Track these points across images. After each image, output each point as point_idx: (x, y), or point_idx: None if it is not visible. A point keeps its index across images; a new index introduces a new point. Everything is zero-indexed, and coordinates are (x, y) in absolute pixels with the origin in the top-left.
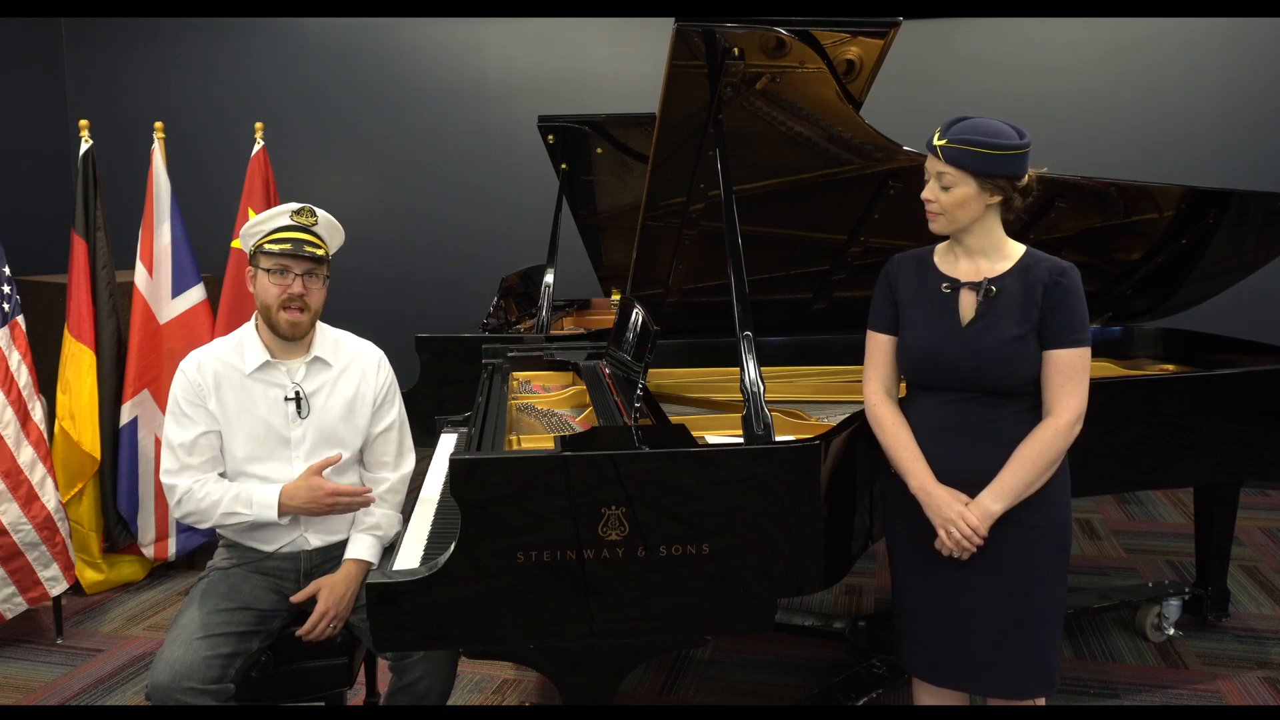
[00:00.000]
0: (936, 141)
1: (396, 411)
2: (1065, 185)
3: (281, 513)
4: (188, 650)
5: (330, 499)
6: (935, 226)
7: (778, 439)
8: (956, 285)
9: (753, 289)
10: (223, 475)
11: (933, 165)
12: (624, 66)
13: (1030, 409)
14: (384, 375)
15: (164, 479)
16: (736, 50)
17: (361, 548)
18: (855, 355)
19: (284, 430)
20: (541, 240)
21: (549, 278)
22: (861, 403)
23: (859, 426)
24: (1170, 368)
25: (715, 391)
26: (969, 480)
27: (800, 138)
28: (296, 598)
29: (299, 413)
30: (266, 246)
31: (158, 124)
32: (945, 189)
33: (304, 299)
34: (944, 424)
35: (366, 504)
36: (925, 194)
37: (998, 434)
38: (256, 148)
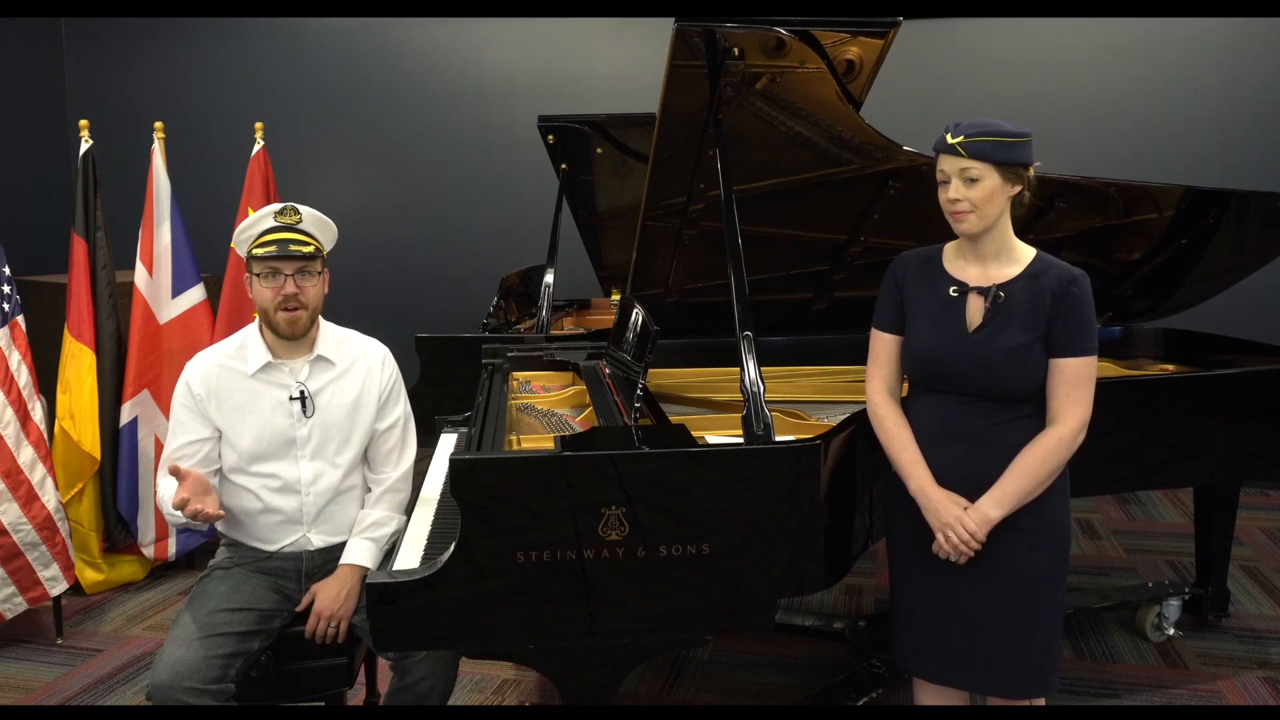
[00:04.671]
0: (952, 140)
1: (402, 408)
2: (1065, 185)
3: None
4: (189, 650)
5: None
6: (966, 227)
7: (778, 439)
8: (965, 290)
9: (753, 289)
10: (216, 475)
11: (952, 165)
12: (624, 66)
13: (1032, 414)
14: (389, 372)
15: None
16: (736, 50)
17: (356, 552)
18: (855, 355)
19: (289, 430)
20: (541, 240)
21: (549, 278)
22: (862, 403)
23: (859, 427)
24: (1170, 368)
25: (715, 391)
26: (969, 483)
27: (800, 138)
28: (300, 607)
29: (304, 412)
30: (255, 251)
31: (158, 124)
32: (972, 182)
33: (298, 298)
34: (946, 427)
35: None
36: (951, 194)
37: (999, 438)
38: (256, 148)
